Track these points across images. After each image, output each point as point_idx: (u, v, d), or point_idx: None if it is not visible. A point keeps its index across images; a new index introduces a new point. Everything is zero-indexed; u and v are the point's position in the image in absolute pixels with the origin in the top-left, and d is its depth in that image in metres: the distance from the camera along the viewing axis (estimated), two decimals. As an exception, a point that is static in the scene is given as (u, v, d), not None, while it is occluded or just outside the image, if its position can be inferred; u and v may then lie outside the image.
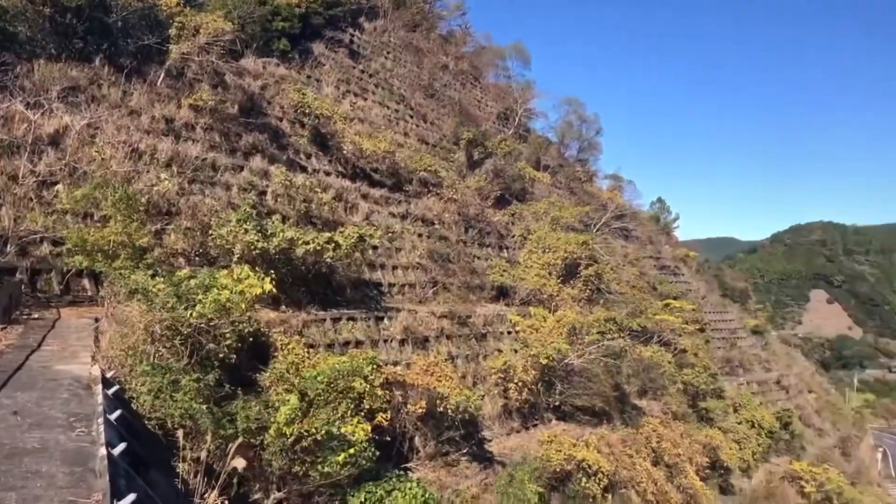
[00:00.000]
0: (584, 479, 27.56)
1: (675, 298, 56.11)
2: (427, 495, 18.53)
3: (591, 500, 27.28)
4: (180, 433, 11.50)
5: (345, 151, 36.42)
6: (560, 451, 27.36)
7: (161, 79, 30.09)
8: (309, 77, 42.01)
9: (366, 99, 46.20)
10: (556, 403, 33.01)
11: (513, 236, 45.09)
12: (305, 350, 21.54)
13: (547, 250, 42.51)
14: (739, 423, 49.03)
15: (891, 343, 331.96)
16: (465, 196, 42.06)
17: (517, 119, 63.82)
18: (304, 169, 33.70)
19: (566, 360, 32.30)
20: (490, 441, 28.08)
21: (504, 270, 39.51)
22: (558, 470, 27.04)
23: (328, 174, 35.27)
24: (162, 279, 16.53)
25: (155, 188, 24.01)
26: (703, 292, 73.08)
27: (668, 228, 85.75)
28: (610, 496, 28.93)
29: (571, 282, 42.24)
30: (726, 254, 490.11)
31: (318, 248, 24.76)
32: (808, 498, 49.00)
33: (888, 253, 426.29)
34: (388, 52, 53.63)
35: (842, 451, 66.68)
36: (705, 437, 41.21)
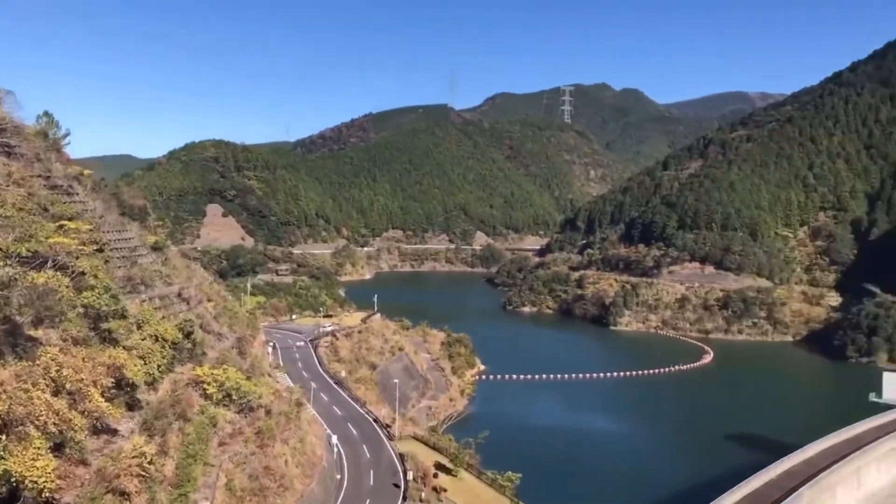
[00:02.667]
0: (-29, 426, 24.90)
1: (70, 219, 53.04)
2: None
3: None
4: None
5: None
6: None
7: None
8: None
9: None
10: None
11: None
12: None
13: None
14: (143, 339, 49.90)
15: (277, 249, 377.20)
16: None
17: None
18: None
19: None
20: None
21: None
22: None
23: None
24: None
25: None
26: (100, 212, 70.52)
27: (59, 145, 79.26)
28: (4, 436, 26.86)
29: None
30: (124, 171, 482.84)
31: None
32: (210, 398, 53.62)
33: (272, 169, 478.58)
34: None
35: (238, 350, 74.03)
36: (109, 357, 40.92)
